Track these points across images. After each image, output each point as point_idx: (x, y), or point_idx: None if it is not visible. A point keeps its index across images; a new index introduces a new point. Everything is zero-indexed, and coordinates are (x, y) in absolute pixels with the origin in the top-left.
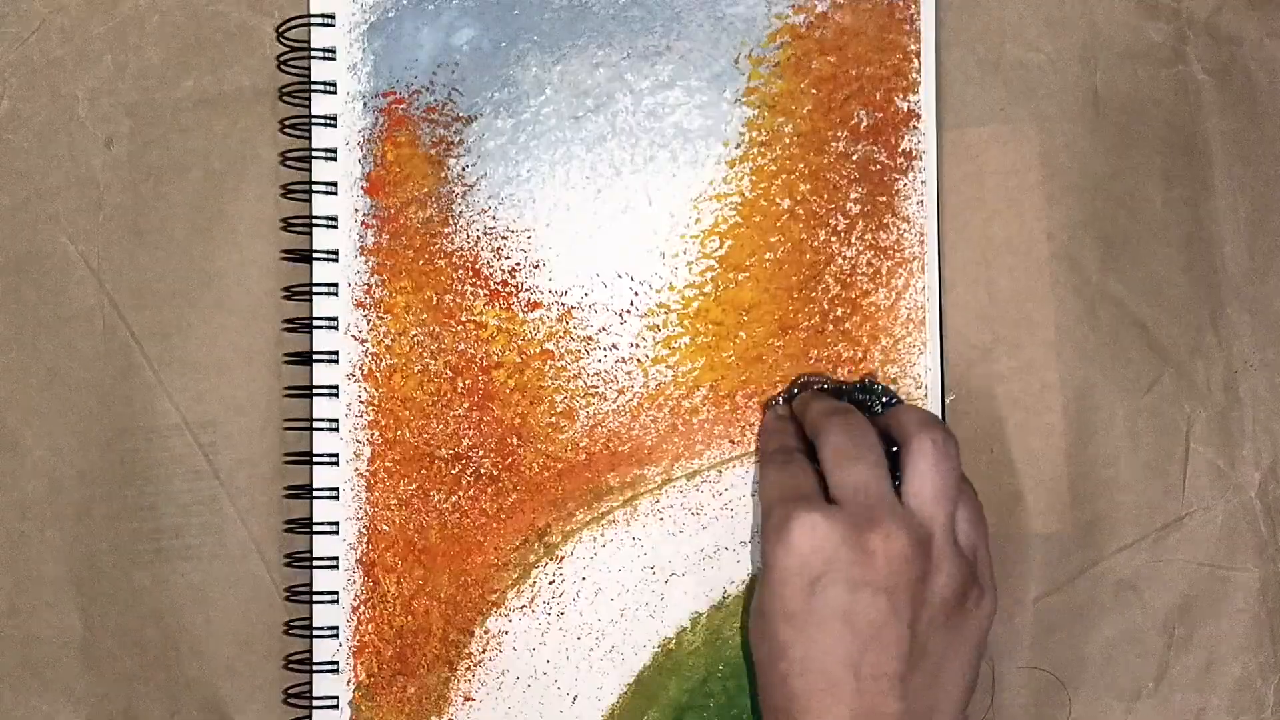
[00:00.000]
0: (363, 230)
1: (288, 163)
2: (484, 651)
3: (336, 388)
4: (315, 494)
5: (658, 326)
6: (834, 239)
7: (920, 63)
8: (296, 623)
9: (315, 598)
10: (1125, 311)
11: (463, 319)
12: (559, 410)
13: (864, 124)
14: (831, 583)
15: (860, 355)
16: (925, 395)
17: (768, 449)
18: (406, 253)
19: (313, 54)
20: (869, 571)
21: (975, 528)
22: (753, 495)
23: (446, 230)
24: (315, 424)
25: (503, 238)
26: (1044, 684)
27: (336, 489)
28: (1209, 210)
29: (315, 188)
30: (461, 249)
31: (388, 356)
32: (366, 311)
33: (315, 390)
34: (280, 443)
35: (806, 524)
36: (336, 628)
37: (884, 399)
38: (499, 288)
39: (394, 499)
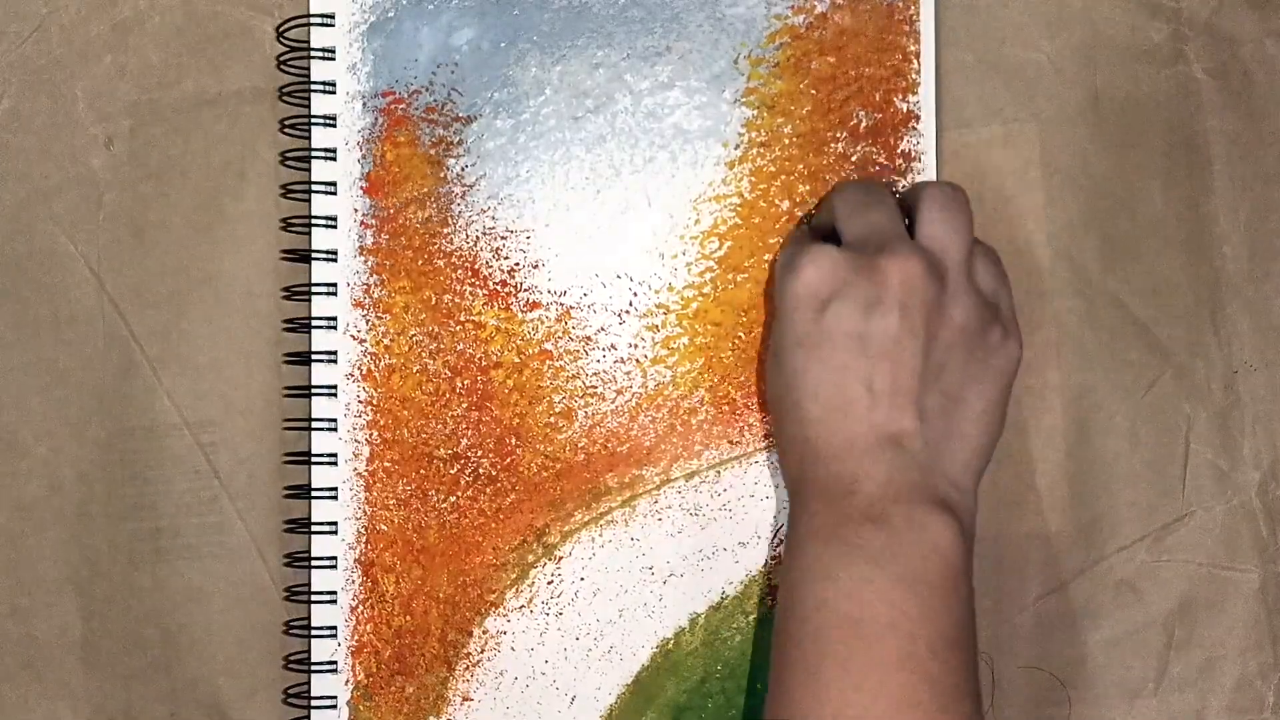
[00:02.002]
0: (362, 230)
1: (287, 163)
2: (482, 652)
3: (335, 388)
4: (314, 494)
5: (657, 327)
6: None
7: (920, 63)
8: (296, 622)
9: (314, 598)
10: (1125, 311)
11: (462, 319)
12: (558, 410)
13: (863, 125)
14: (842, 303)
15: None
16: None
17: (783, 244)
18: (406, 253)
19: (312, 54)
20: (881, 290)
21: (995, 277)
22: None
23: (446, 230)
24: (314, 424)
25: (502, 238)
26: (1044, 684)
27: (335, 489)
28: (1209, 210)
29: (314, 188)
30: (461, 249)
31: (386, 356)
32: (365, 311)
33: (314, 390)
34: (280, 443)
35: (816, 254)
36: (335, 628)
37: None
38: (498, 288)
39: (393, 499)
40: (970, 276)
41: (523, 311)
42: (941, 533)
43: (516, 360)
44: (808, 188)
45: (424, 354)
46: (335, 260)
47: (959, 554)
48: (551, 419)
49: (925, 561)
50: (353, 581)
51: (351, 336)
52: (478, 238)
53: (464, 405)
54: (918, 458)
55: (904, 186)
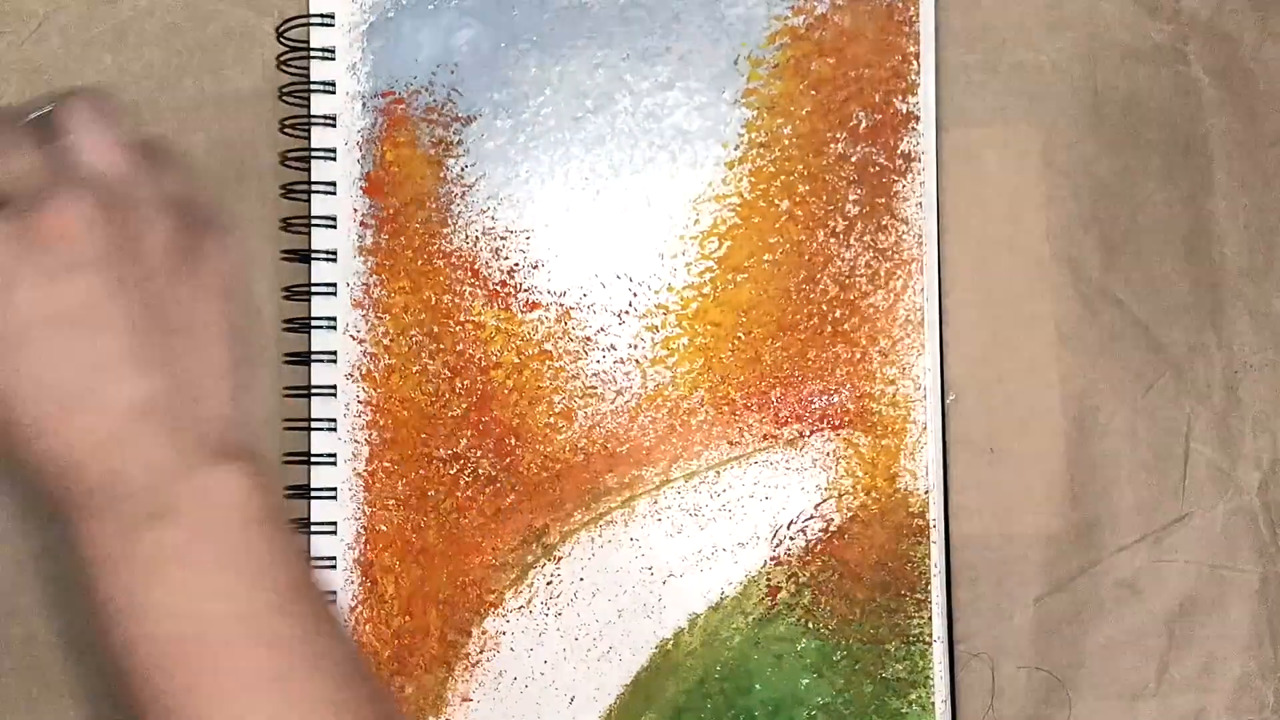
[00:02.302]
0: (361, 230)
1: (287, 163)
2: (481, 652)
3: (335, 388)
4: (313, 494)
5: (656, 327)
6: (832, 240)
7: (919, 64)
8: None
9: None
10: (1125, 311)
11: (461, 319)
12: (557, 411)
13: (863, 125)
14: (28, 287)
15: (859, 356)
16: (924, 396)
17: None
18: (405, 253)
19: (312, 54)
20: (59, 252)
21: (179, 173)
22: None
23: (445, 230)
24: (313, 424)
25: (501, 238)
26: (1044, 684)
27: (334, 489)
28: (1209, 210)
29: (314, 188)
30: (460, 249)
31: (386, 356)
32: (365, 311)
33: (314, 390)
34: (280, 443)
35: None
36: None
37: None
38: (498, 288)
39: (392, 499)
40: (152, 191)
41: (522, 312)
42: (230, 489)
43: (516, 360)
44: (807, 188)
45: (424, 354)
46: (335, 260)
47: (252, 497)
48: (551, 419)
49: (227, 531)
50: (352, 582)
51: (351, 336)
52: (477, 238)
53: (464, 405)
54: (176, 419)
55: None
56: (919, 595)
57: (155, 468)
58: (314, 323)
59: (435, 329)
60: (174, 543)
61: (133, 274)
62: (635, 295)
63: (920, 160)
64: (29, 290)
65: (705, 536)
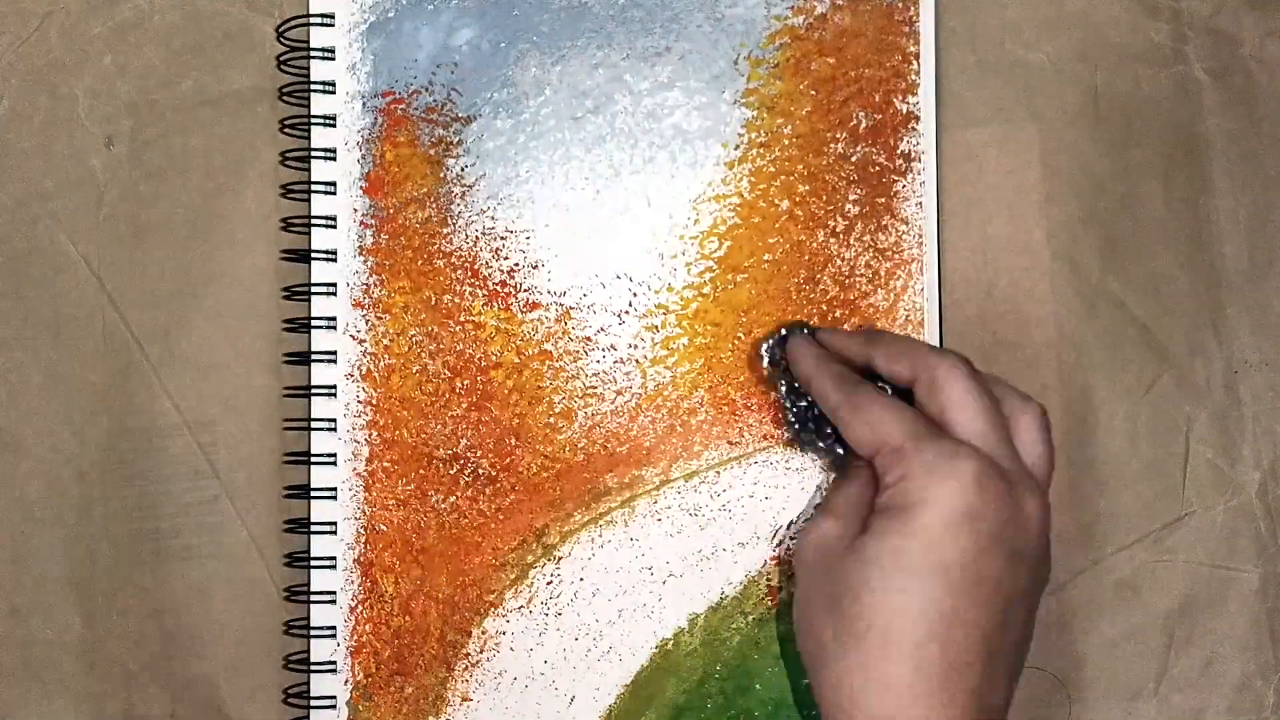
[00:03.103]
0: (361, 230)
1: (287, 163)
2: (481, 652)
3: (335, 388)
4: (313, 494)
5: (656, 327)
6: (833, 240)
7: (919, 64)
8: (295, 622)
9: (313, 598)
10: (1125, 311)
11: (461, 319)
12: (557, 411)
13: (863, 125)
14: (994, 544)
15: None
16: None
17: (821, 374)
18: (405, 253)
19: (312, 54)
20: (1022, 535)
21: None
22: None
23: (445, 230)
24: (313, 424)
25: (501, 238)
26: (1044, 684)
27: (335, 489)
28: (1209, 210)
29: (314, 188)
30: (460, 249)
31: (386, 356)
32: (365, 311)
33: (314, 390)
34: (280, 443)
35: (976, 470)
36: (334, 628)
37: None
38: (497, 288)
39: (392, 499)
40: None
41: (522, 312)
42: None
43: (516, 361)
44: (807, 188)
45: (423, 354)
46: (335, 260)
47: None
48: (551, 419)
49: None
50: (352, 581)
51: (351, 336)
52: (477, 238)
53: (463, 405)
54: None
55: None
56: None
57: None
58: (314, 323)
59: (435, 329)
60: None
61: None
62: (635, 295)
63: (920, 160)
64: (996, 553)
65: (705, 536)
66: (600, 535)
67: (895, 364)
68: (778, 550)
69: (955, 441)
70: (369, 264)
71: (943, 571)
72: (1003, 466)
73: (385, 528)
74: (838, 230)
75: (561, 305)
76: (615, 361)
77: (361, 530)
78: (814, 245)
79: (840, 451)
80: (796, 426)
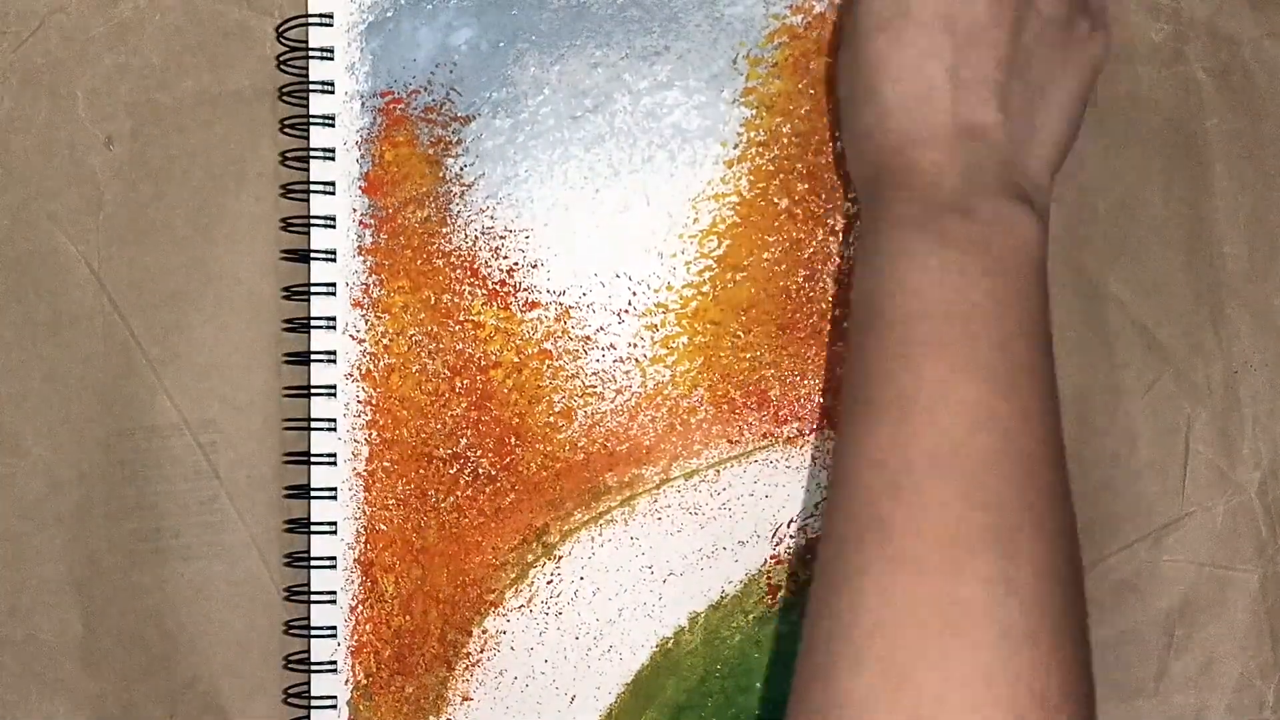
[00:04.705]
0: (361, 230)
1: (287, 162)
2: (482, 651)
3: (335, 388)
4: (313, 494)
5: (656, 326)
6: (832, 239)
7: None
8: (296, 622)
9: (314, 598)
10: (1125, 311)
11: (461, 319)
12: (557, 410)
13: None
14: None
15: None
16: None
17: None
18: (404, 252)
19: (311, 54)
20: None
21: None
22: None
23: (444, 230)
24: (313, 424)
25: (501, 237)
26: None
27: (335, 489)
28: (1209, 210)
29: (313, 187)
30: (459, 249)
31: (386, 356)
32: (364, 311)
33: (314, 390)
34: (280, 443)
35: None
36: (334, 627)
37: None
38: (497, 287)
39: (392, 499)
40: None
41: (522, 311)
42: (1026, 227)
43: (516, 360)
44: (806, 186)
45: (423, 354)
46: (334, 260)
47: (1041, 248)
48: (551, 418)
49: (1013, 255)
50: (352, 581)
51: (351, 336)
52: (476, 237)
53: (463, 405)
54: (999, 150)
55: None
56: None
57: (970, 176)
58: (313, 323)
59: (435, 329)
60: (966, 235)
61: (1017, 19)
62: (635, 294)
63: None
64: None
65: (705, 535)
66: (600, 534)
67: None
68: (777, 549)
69: None
70: (368, 264)
71: (879, 29)
72: None
73: (385, 527)
74: (837, 228)
75: (561, 304)
76: (615, 360)
77: (361, 530)
78: (813, 244)
79: None
80: None
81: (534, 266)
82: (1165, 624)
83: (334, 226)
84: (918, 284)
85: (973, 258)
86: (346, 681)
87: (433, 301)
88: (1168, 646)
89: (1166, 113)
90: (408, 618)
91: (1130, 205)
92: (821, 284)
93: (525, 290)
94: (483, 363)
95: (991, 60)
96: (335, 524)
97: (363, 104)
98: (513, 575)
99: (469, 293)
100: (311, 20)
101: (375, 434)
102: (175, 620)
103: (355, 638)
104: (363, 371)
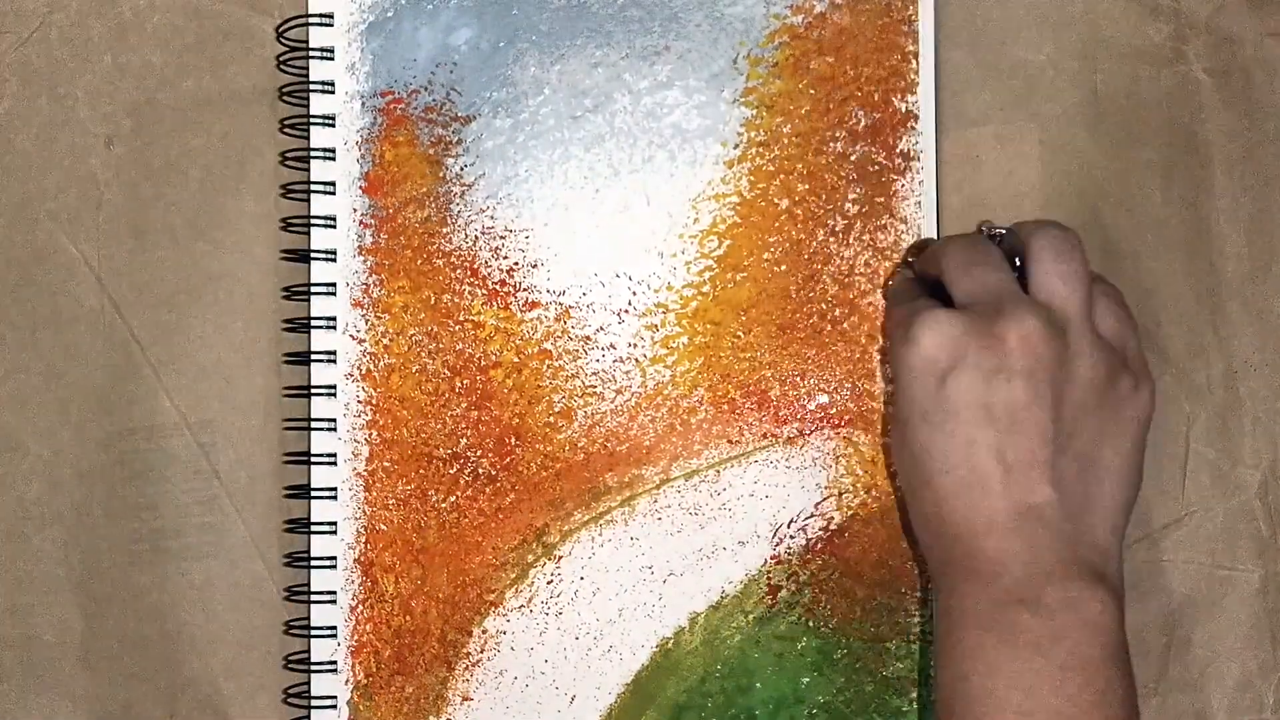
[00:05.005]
0: (361, 230)
1: (287, 163)
2: (482, 651)
3: (335, 388)
4: (313, 494)
5: (656, 326)
6: (832, 239)
7: (918, 63)
8: (296, 622)
9: (314, 598)
10: None
11: (461, 319)
12: (557, 410)
13: (862, 124)
14: (963, 372)
15: (859, 355)
16: None
17: (891, 299)
18: (405, 252)
19: (311, 54)
20: (1001, 357)
21: (1120, 320)
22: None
23: (445, 230)
24: (313, 424)
25: (501, 237)
26: None
27: (335, 489)
28: (1209, 210)
29: (313, 187)
30: (460, 248)
31: (386, 356)
32: (364, 311)
33: (314, 390)
34: (280, 443)
35: (930, 320)
36: (335, 627)
37: (1005, 231)
38: (497, 287)
39: (392, 499)
40: (1092, 326)
41: (522, 311)
42: (1098, 609)
43: (516, 360)
44: (806, 186)
45: (423, 354)
46: (334, 260)
47: (1117, 626)
48: (551, 419)
49: (1088, 643)
50: (352, 581)
51: (351, 336)
52: (476, 237)
53: (463, 405)
54: (1060, 529)
55: (1003, 229)
56: (920, 593)
57: (1034, 563)
58: (314, 323)
59: (435, 328)
60: (1036, 631)
61: (1056, 394)
62: (635, 294)
63: (919, 159)
64: (967, 376)
65: (705, 535)
66: (600, 534)
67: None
68: (777, 549)
69: (923, 307)
70: (368, 264)
71: (921, 419)
72: (965, 312)
73: (385, 527)
74: (837, 229)
75: (561, 304)
76: (615, 360)
77: (361, 530)
78: (813, 244)
79: None
80: None
81: (534, 266)
82: (1165, 624)
83: (334, 226)
84: (992, 688)
85: (1045, 658)
86: (346, 681)
87: (433, 301)
88: (1168, 646)
89: (1166, 113)
90: (408, 618)
91: (1130, 205)
92: (821, 284)
93: (525, 290)
94: (483, 363)
95: (1037, 439)
96: (335, 524)
97: (363, 104)
98: (513, 575)
99: (469, 293)
100: (312, 20)
101: (375, 434)
102: (175, 620)
103: (355, 638)
104: (363, 371)
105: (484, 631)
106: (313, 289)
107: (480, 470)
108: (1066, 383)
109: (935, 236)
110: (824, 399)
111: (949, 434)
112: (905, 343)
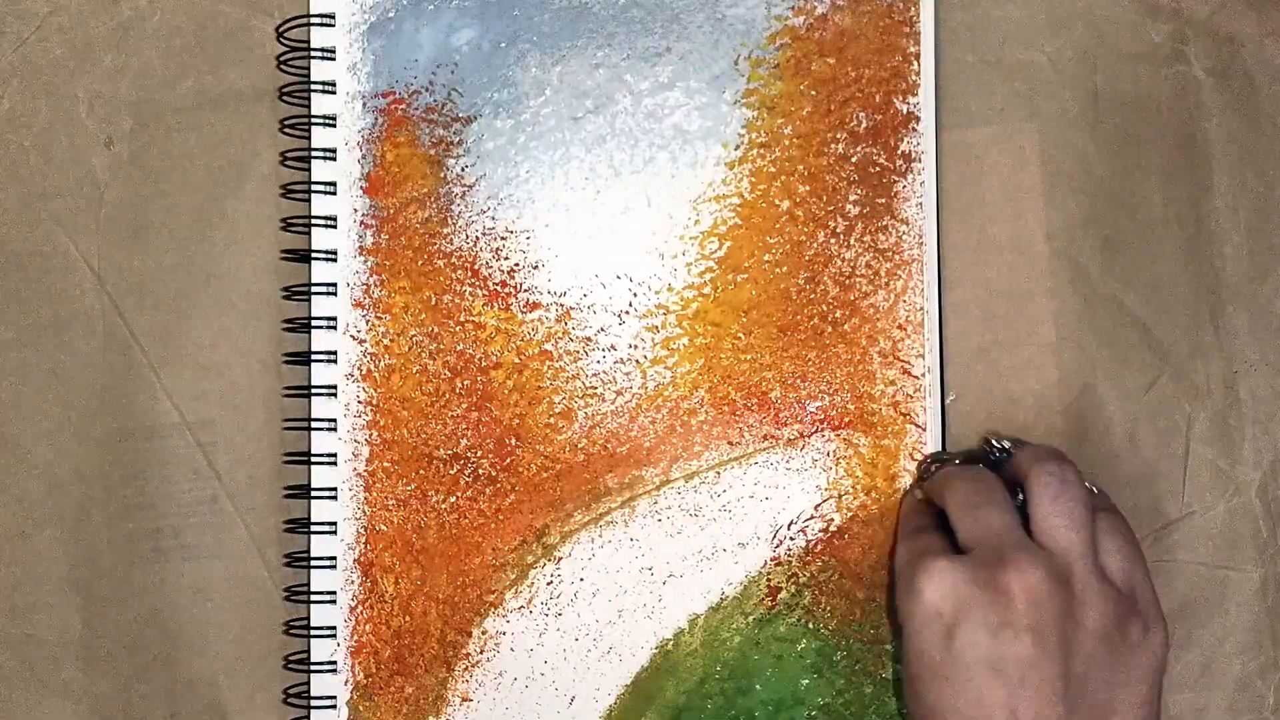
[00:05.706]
0: (362, 230)
1: (287, 163)
2: (482, 652)
3: (335, 388)
4: (314, 494)
5: (656, 327)
6: (833, 241)
7: (919, 65)
8: (295, 622)
9: (313, 598)
10: (1125, 311)
11: (461, 319)
12: (557, 411)
13: (863, 126)
14: (970, 629)
15: (859, 356)
16: (925, 396)
17: (903, 530)
18: (405, 253)
19: (312, 54)
20: (1007, 612)
21: (1126, 558)
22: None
23: (445, 230)
24: (314, 424)
25: (502, 238)
26: None
27: (335, 489)
28: (1209, 210)
29: (314, 188)
30: (460, 249)
31: (386, 356)
32: (365, 311)
33: (314, 390)
34: (280, 443)
35: (932, 572)
36: (334, 628)
37: (1008, 450)
38: (498, 288)
39: (392, 499)
40: (1098, 569)
41: (522, 312)
42: None
43: (516, 361)
44: (807, 188)
45: (424, 354)
46: (335, 260)
47: None
48: (551, 419)
49: None
50: (352, 582)
51: (351, 336)
52: (477, 238)
53: (464, 406)
54: None
55: (1007, 446)
56: None
57: None
58: (314, 323)
59: (435, 329)
60: None
61: (1065, 647)
62: (635, 295)
63: (920, 160)
64: (974, 632)
65: (705, 537)
66: (600, 535)
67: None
68: (777, 551)
69: (926, 558)
70: (369, 264)
71: (931, 675)
72: (967, 561)
73: (385, 528)
74: (838, 230)
75: (562, 305)
76: (615, 361)
77: (362, 530)
78: (814, 245)
79: None
80: None
81: (535, 267)
82: None
83: (335, 227)
84: None
85: None
86: (346, 682)
87: (434, 302)
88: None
89: (1166, 113)
90: (408, 618)
91: (1130, 205)
92: (822, 286)
93: (526, 291)
94: (483, 363)
95: (1049, 694)
96: (335, 524)
97: (364, 104)
98: (512, 576)
99: (470, 293)
100: (313, 20)
101: (376, 434)
102: (175, 620)
103: (355, 638)
104: (363, 372)
105: (484, 632)
106: (313, 289)
107: (480, 471)
108: (1075, 632)
109: (935, 237)
110: (824, 401)
111: (958, 691)
112: (909, 593)
